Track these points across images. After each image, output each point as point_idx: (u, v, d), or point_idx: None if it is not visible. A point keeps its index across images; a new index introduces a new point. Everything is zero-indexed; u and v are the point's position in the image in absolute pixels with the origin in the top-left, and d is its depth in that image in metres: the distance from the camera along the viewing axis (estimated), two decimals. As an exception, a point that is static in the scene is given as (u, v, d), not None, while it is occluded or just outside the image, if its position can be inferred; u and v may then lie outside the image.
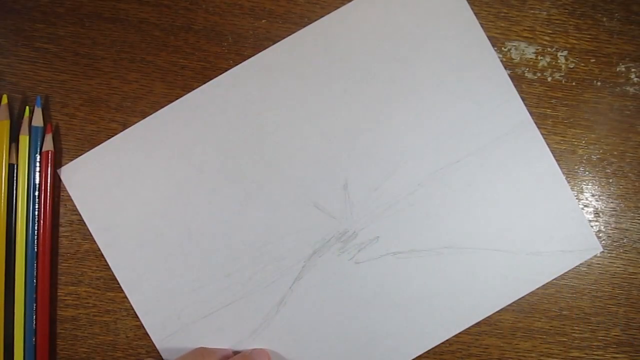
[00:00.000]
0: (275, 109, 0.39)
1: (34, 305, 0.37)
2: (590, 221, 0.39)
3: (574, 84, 0.40)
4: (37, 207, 0.38)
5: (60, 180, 0.39)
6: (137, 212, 0.38)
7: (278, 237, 0.38)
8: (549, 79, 0.40)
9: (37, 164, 0.38)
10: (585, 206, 0.39)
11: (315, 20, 0.39)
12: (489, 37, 0.39)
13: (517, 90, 0.39)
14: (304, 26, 0.39)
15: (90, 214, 0.38)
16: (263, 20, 0.40)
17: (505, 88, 0.39)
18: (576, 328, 0.39)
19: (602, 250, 0.39)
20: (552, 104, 0.39)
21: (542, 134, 0.39)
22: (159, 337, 0.38)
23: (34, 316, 0.37)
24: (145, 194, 0.39)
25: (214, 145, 0.39)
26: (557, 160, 0.39)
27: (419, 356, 0.38)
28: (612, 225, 0.39)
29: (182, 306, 0.38)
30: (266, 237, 0.38)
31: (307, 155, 0.39)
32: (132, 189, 0.39)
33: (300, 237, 0.38)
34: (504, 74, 0.39)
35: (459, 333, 0.38)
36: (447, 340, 0.38)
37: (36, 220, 0.38)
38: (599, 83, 0.40)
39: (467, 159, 0.39)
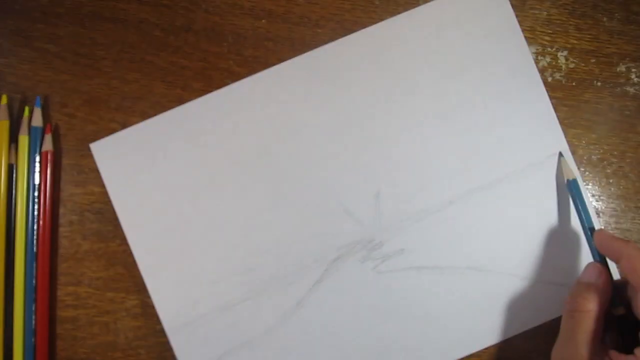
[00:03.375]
0: (316, 111, 0.39)
1: (34, 305, 0.37)
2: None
3: (574, 84, 0.40)
4: (36, 207, 0.38)
5: (60, 180, 0.39)
6: (165, 196, 0.38)
7: (304, 238, 0.38)
8: (549, 79, 0.40)
9: (37, 164, 0.38)
10: (585, 206, 0.39)
11: (317, 20, 0.39)
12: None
13: (517, 90, 0.39)
14: (304, 26, 0.39)
15: (117, 191, 0.38)
16: (263, 20, 0.40)
17: (547, 116, 0.39)
18: (576, 328, 0.39)
19: None
20: (552, 104, 0.39)
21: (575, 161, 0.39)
22: (171, 325, 0.37)
23: (34, 316, 0.37)
24: (176, 179, 0.38)
25: (252, 139, 0.38)
26: (557, 160, 0.39)
27: None
28: (612, 226, 0.39)
29: (199, 296, 0.38)
30: (292, 236, 0.38)
31: (342, 160, 0.38)
32: (164, 172, 0.38)
33: (325, 241, 0.38)
34: (547, 102, 0.39)
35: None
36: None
37: (36, 220, 0.38)
38: (599, 83, 0.40)
39: (500, 182, 0.38)
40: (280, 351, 0.38)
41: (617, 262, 0.33)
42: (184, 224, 0.38)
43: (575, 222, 0.38)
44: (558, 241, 0.38)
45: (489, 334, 0.38)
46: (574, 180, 0.37)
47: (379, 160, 0.39)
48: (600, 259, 0.34)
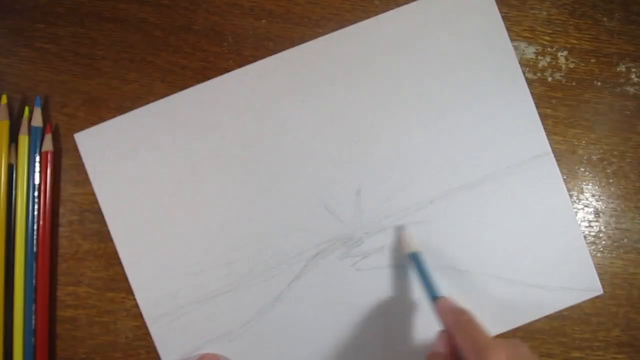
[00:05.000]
0: (300, 106, 0.39)
1: (34, 305, 0.37)
2: (590, 221, 0.39)
3: (574, 84, 0.40)
4: (36, 207, 0.38)
5: (60, 180, 0.39)
6: (148, 187, 0.38)
7: (284, 233, 0.38)
8: (549, 79, 0.40)
9: (37, 164, 0.38)
10: (585, 206, 0.39)
11: (317, 20, 0.39)
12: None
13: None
14: (304, 26, 0.39)
15: (100, 182, 0.38)
16: (263, 20, 0.40)
17: (530, 118, 0.39)
18: (576, 328, 0.39)
19: (602, 292, 0.38)
20: (552, 104, 0.39)
21: (559, 168, 0.39)
22: (151, 315, 0.38)
23: (34, 316, 0.37)
24: (158, 171, 0.38)
25: (234, 133, 0.39)
26: (557, 160, 0.39)
27: None
28: (612, 225, 0.39)
29: (179, 287, 0.38)
30: (272, 231, 0.38)
31: (324, 156, 0.39)
32: (146, 163, 0.38)
33: (305, 236, 0.38)
34: (531, 105, 0.39)
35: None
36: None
37: (35, 220, 0.38)
38: (599, 83, 0.40)
39: (481, 182, 0.39)
40: (258, 344, 0.38)
41: (453, 333, 0.32)
42: (165, 216, 0.38)
43: (557, 224, 0.38)
44: (539, 242, 0.38)
45: None
46: (416, 253, 0.37)
47: (361, 157, 0.39)
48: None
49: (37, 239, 0.38)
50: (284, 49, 0.39)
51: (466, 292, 0.38)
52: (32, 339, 0.37)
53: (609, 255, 0.39)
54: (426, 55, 0.39)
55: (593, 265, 0.38)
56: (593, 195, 0.39)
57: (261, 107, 0.39)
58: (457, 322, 0.32)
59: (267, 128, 0.39)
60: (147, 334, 0.38)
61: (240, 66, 0.39)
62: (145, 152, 0.39)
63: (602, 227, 0.39)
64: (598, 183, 0.40)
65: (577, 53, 0.40)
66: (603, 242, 0.39)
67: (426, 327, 0.38)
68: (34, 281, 0.37)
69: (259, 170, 0.39)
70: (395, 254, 0.38)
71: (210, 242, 0.38)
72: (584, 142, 0.40)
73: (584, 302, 0.39)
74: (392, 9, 0.39)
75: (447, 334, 0.33)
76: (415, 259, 0.37)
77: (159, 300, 0.38)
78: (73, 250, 0.39)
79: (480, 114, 0.39)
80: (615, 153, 0.40)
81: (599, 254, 0.39)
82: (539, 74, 0.40)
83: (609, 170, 0.40)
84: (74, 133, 0.39)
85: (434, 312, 0.34)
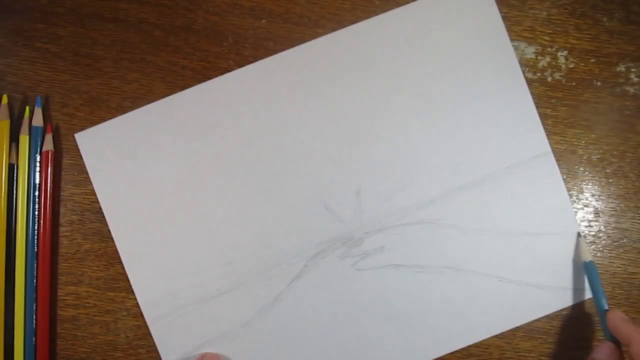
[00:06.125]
0: (299, 106, 0.39)
1: (34, 305, 0.37)
2: (590, 221, 0.39)
3: (574, 84, 0.40)
4: (37, 207, 0.38)
5: (60, 180, 0.39)
6: (148, 187, 0.38)
7: (284, 232, 0.38)
8: (549, 79, 0.40)
9: (37, 164, 0.38)
10: (585, 206, 0.39)
11: (317, 20, 0.39)
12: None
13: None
14: (304, 26, 0.39)
15: (100, 182, 0.38)
16: (263, 20, 0.40)
17: (530, 118, 0.39)
18: (576, 328, 0.39)
19: None
20: (552, 104, 0.39)
21: (559, 168, 0.39)
22: (151, 315, 0.38)
23: (34, 316, 0.37)
24: (159, 171, 0.38)
25: (234, 133, 0.39)
26: (557, 160, 0.39)
27: None
28: (612, 225, 0.39)
29: (179, 287, 0.38)
30: (272, 231, 0.38)
31: (324, 156, 0.39)
32: (146, 163, 0.38)
33: (305, 236, 0.38)
34: (531, 105, 0.39)
35: (459, 333, 0.38)
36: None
37: (36, 220, 0.38)
38: (599, 83, 0.40)
39: (481, 182, 0.38)
40: (258, 344, 0.38)
41: (627, 346, 0.33)
42: (165, 215, 0.38)
43: (557, 224, 0.38)
44: (539, 242, 0.38)
45: (467, 335, 0.38)
46: (591, 263, 0.37)
47: (361, 157, 0.39)
48: (612, 338, 0.34)
49: (38, 238, 0.38)
50: (284, 49, 0.39)
51: (466, 292, 0.38)
52: (33, 339, 0.37)
53: (609, 255, 0.39)
54: (426, 55, 0.39)
55: None
56: (593, 195, 0.39)
57: (261, 107, 0.39)
58: (634, 334, 0.32)
59: (267, 128, 0.39)
60: (148, 334, 0.38)
61: (240, 66, 0.39)
62: (146, 152, 0.39)
63: (602, 227, 0.39)
64: (598, 183, 0.40)
65: (576, 53, 0.40)
66: (603, 242, 0.39)
67: (426, 326, 0.38)
68: (34, 281, 0.37)
69: (259, 170, 0.39)
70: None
71: (210, 242, 0.38)
72: (583, 142, 0.40)
73: (583, 301, 0.39)
74: (392, 9, 0.39)
75: (614, 346, 0.34)
76: (589, 269, 0.37)
77: (159, 300, 0.38)
78: (73, 250, 0.39)
79: (480, 114, 0.39)
80: (615, 153, 0.40)
81: (598, 254, 0.39)
82: (538, 74, 0.40)
83: (608, 170, 0.40)
84: (75, 133, 0.39)
85: (604, 323, 0.35)
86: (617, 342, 0.34)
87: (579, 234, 0.38)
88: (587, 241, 0.39)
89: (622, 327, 0.33)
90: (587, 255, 0.38)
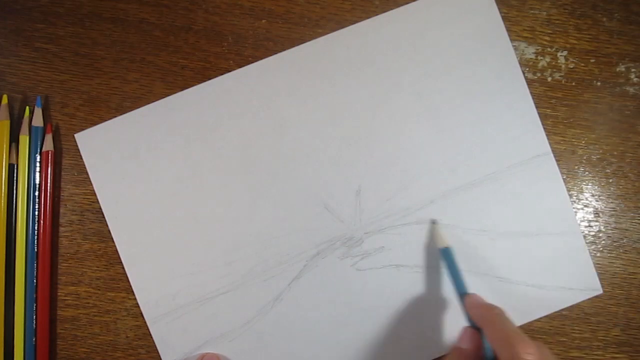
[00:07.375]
0: (299, 106, 0.39)
1: (34, 305, 0.37)
2: (590, 221, 0.39)
3: (573, 84, 0.40)
4: (37, 207, 0.38)
5: (60, 180, 0.39)
6: (148, 187, 0.38)
7: (284, 233, 0.38)
8: (549, 79, 0.40)
9: (37, 164, 0.38)
10: (585, 206, 0.39)
11: (317, 20, 0.39)
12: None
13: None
14: (304, 26, 0.39)
15: (100, 182, 0.38)
16: (263, 20, 0.40)
17: (530, 118, 0.39)
18: (576, 328, 0.39)
19: (602, 292, 0.39)
20: (552, 104, 0.40)
21: (559, 168, 0.39)
22: (151, 315, 0.38)
23: (34, 316, 0.37)
24: (158, 171, 0.38)
25: (234, 133, 0.39)
26: (557, 160, 0.39)
27: None
28: (612, 225, 0.39)
29: (179, 287, 0.38)
30: (272, 231, 0.38)
31: (324, 156, 0.39)
32: (146, 163, 0.39)
33: (305, 236, 0.38)
34: (531, 105, 0.39)
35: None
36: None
37: (36, 220, 0.38)
38: (599, 83, 0.40)
39: (481, 182, 0.38)
40: (258, 344, 0.38)
41: (482, 328, 0.32)
42: (165, 215, 0.38)
43: (557, 224, 0.38)
44: (539, 242, 0.38)
45: None
46: (447, 249, 0.37)
47: (361, 157, 0.39)
48: (472, 324, 0.34)
49: (38, 238, 0.38)
50: (284, 49, 0.39)
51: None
52: (33, 339, 0.37)
53: (609, 255, 0.39)
54: (426, 55, 0.39)
55: (593, 265, 0.39)
56: (593, 195, 0.39)
57: (261, 107, 0.39)
58: (487, 317, 0.32)
59: (267, 128, 0.39)
60: (148, 334, 0.38)
61: (240, 66, 0.39)
62: (146, 152, 0.39)
63: (602, 227, 0.39)
64: (598, 183, 0.40)
65: (576, 53, 0.40)
66: (603, 242, 0.39)
67: (426, 326, 0.38)
68: (34, 281, 0.37)
69: (259, 170, 0.39)
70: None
71: (210, 242, 0.38)
72: (583, 142, 0.40)
73: (583, 301, 0.39)
74: (392, 9, 0.39)
75: (473, 330, 0.33)
76: (446, 255, 0.37)
77: (159, 300, 0.38)
78: (73, 250, 0.39)
79: (480, 114, 0.39)
80: (615, 153, 0.40)
81: (598, 254, 0.39)
82: (538, 74, 0.40)
83: (608, 170, 0.40)
84: (75, 133, 0.39)
85: (463, 308, 0.35)
86: (477, 327, 0.34)
87: (433, 221, 0.38)
88: (587, 241, 0.39)
89: (476, 311, 0.33)
90: (443, 242, 0.37)
